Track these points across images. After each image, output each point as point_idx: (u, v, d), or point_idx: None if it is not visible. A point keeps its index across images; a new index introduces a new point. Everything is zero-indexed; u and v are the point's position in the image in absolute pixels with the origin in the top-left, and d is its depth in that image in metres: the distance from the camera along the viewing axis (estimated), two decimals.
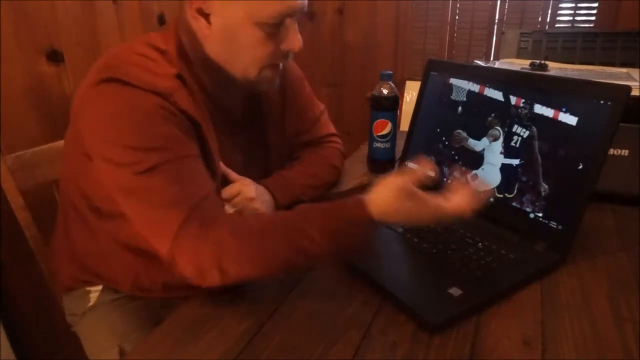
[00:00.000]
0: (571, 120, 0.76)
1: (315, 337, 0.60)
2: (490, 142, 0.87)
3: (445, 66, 0.99)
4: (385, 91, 1.04)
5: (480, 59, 1.93)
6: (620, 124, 0.71)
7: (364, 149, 1.15)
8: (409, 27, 2.21)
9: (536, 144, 0.80)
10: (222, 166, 0.83)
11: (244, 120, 0.90)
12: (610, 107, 0.72)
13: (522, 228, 0.79)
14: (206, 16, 0.72)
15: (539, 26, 1.98)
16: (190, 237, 0.63)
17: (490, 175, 0.87)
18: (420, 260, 0.76)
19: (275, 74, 0.80)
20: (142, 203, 0.67)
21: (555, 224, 0.76)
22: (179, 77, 0.73)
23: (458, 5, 2.10)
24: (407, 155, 1.03)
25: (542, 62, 1.19)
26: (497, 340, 0.59)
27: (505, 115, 0.85)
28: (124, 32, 1.44)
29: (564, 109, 0.77)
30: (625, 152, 0.92)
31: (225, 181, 0.84)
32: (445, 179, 0.94)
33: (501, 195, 0.85)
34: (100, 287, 0.88)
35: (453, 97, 0.94)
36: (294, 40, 0.74)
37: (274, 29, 0.73)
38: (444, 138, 0.95)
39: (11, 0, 1.15)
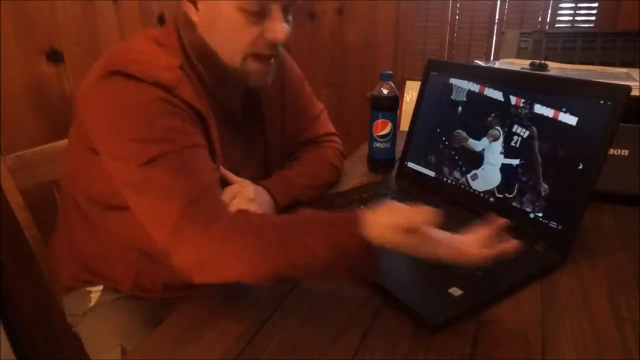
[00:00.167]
0: (571, 120, 0.76)
1: (315, 337, 0.60)
2: (490, 142, 0.87)
3: (445, 66, 0.99)
4: (385, 91, 1.04)
5: (480, 59, 1.93)
6: (620, 124, 0.71)
7: (364, 149, 1.15)
8: (409, 27, 2.21)
9: (536, 144, 0.80)
10: (221, 169, 0.83)
11: (243, 118, 0.90)
12: (610, 107, 0.72)
13: (522, 228, 0.79)
14: (194, 2, 0.74)
15: (539, 26, 1.98)
16: (189, 229, 0.63)
17: (490, 175, 0.87)
18: (420, 260, 0.75)
19: (265, 68, 0.78)
20: (143, 193, 0.67)
21: (555, 224, 0.76)
22: (181, 68, 0.74)
23: (458, 5, 2.10)
24: (407, 155, 1.03)
25: (542, 62, 1.19)
26: (497, 340, 0.59)
27: (505, 115, 0.85)
28: (124, 32, 1.44)
29: (564, 109, 0.77)
30: (625, 152, 0.92)
31: (224, 182, 0.84)
32: (445, 179, 0.94)
33: (501, 195, 0.84)
34: (100, 287, 0.88)
35: (453, 97, 0.94)
36: (278, 30, 0.73)
37: (256, 17, 0.72)
38: (444, 138, 0.95)
39: (11, 0, 1.15)
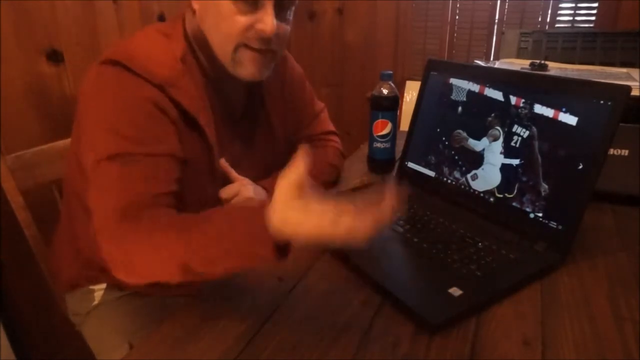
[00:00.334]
0: (571, 120, 0.76)
1: (315, 337, 0.60)
2: (490, 142, 0.87)
3: (445, 66, 0.99)
4: (385, 91, 1.04)
5: (480, 59, 1.93)
6: (620, 124, 0.71)
7: (364, 149, 1.15)
8: (409, 27, 2.21)
9: (536, 144, 0.80)
10: (224, 164, 0.83)
11: (245, 114, 0.91)
12: (610, 107, 0.72)
13: (522, 228, 0.79)
14: None
15: (539, 26, 1.98)
16: (109, 225, 0.65)
17: (490, 175, 0.87)
18: (420, 260, 0.76)
19: (256, 60, 0.77)
20: (93, 184, 0.69)
21: (555, 224, 0.76)
22: (182, 60, 0.75)
23: (458, 5, 2.10)
24: (407, 155, 1.03)
25: (542, 62, 1.19)
26: (497, 340, 0.59)
27: (505, 115, 0.85)
28: (124, 32, 1.44)
29: (564, 109, 0.77)
30: (625, 152, 0.92)
31: (226, 180, 0.84)
32: (445, 179, 0.94)
33: (501, 195, 0.85)
34: (103, 286, 0.89)
35: (453, 97, 0.94)
36: (266, 22, 0.73)
37: (248, 7, 0.73)
38: (444, 138, 0.95)
39: (11, 0, 1.15)
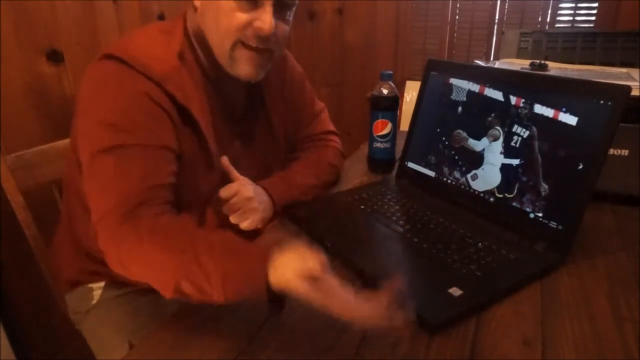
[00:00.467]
0: (571, 120, 0.76)
1: (315, 337, 0.60)
2: (490, 142, 0.87)
3: (445, 66, 0.99)
4: (385, 91, 1.04)
5: (480, 59, 1.93)
6: (620, 124, 0.71)
7: (364, 149, 1.15)
8: (409, 27, 2.21)
9: (536, 144, 0.80)
10: (225, 162, 0.83)
11: (246, 113, 0.91)
12: (610, 107, 0.72)
13: (522, 228, 0.79)
14: None
15: (539, 26, 1.98)
16: (109, 224, 0.65)
17: (490, 175, 0.87)
18: (420, 260, 0.76)
19: (254, 59, 0.77)
20: (91, 177, 0.70)
21: (555, 224, 0.76)
22: (180, 57, 0.75)
23: (458, 5, 2.10)
24: (407, 155, 1.03)
25: (542, 62, 1.19)
26: (497, 340, 0.59)
27: (505, 115, 0.85)
28: (124, 32, 1.44)
29: (564, 109, 0.77)
30: (625, 152, 0.92)
31: (226, 179, 0.84)
32: (445, 179, 0.94)
33: (501, 195, 0.85)
34: (102, 284, 0.89)
35: (453, 97, 0.94)
36: (264, 20, 0.73)
37: (247, 5, 0.73)
38: (444, 138, 0.95)
39: (11, 0, 1.15)
